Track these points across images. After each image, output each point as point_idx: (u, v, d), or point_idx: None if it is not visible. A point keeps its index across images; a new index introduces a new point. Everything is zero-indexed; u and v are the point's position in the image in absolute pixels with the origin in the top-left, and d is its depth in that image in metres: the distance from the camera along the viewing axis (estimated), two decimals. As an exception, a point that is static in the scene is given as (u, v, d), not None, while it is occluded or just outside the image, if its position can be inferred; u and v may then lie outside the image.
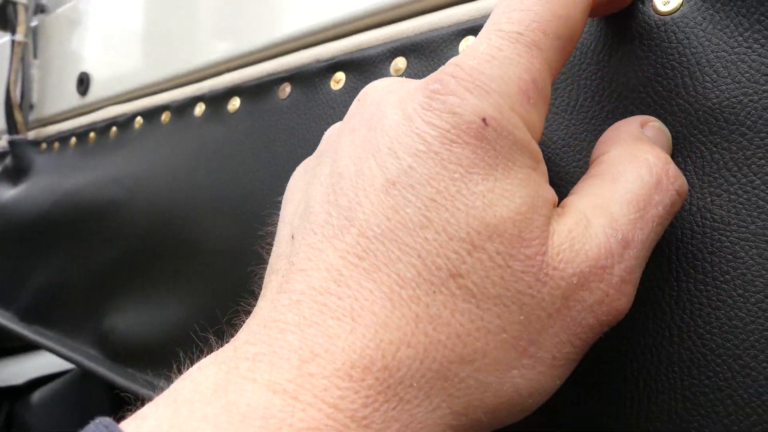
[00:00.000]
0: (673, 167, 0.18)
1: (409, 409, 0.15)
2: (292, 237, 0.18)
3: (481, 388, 0.16)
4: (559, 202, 0.18)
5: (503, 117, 0.16)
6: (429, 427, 0.15)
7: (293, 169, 0.33)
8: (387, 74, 0.30)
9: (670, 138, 0.21)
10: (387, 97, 0.18)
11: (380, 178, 0.16)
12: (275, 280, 0.18)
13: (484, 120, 0.16)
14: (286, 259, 0.17)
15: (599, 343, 0.18)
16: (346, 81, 0.32)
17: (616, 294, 0.17)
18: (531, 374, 0.16)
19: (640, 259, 0.17)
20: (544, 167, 0.18)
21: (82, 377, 0.73)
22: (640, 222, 0.17)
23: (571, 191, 0.19)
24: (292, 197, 0.21)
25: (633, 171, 0.18)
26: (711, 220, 0.20)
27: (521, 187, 0.16)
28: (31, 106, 0.59)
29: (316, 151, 0.21)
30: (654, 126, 0.20)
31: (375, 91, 0.19)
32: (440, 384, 0.15)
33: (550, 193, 0.17)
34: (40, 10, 0.59)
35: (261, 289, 0.19)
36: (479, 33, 0.18)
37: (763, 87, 0.20)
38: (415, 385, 0.15)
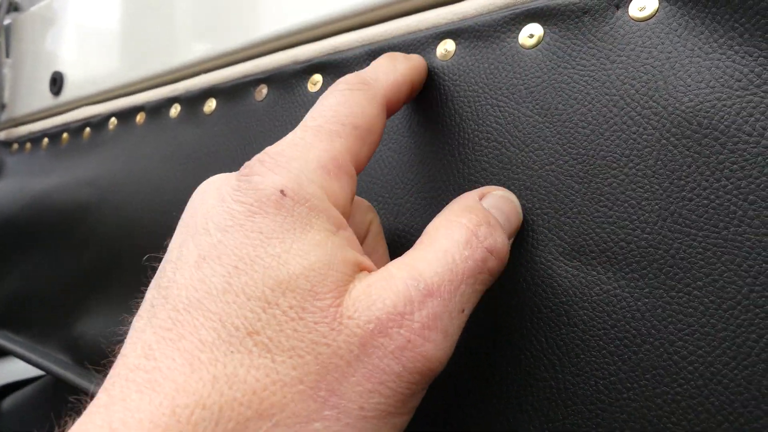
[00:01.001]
0: (484, 228, 0.20)
1: None
2: (131, 326, 0.19)
3: None
4: None
5: (301, 188, 0.19)
6: None
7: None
8: (364, 77, 0.30)
9: (515, 203, 0.23)
10: (210, 187, 0.20)
11: (194, 255, 0.18)
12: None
13: (282, 192, 0.18)
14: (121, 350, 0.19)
15: (578, 353, 0.18)
16: (323, 83, 0.32)
17: (419, 340, 0.17)
18: (336, 426, 0.16)
19: (449, 309, 0.18)
20: (348, 232, 0.19)
21: (55, 384, 0.71)
22: (448, 275, 0.18)
23: None
24: None
25: (445, 233, 0.20)
26: (683, 225, 0.20)
27: (317, 247, 0.18)
28: (3, 106, 0.57)
29: None
30: (495, 195, 0.22)
31: (204, 184, 0.21)
32: None
33: (352, 254, 0.19)
34: (14, 8, 0.58)
35: None
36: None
37: (737, 92, 0.20)
38: None
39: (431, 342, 0.17)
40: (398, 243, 0.26)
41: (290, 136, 0.20)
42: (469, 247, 0.19)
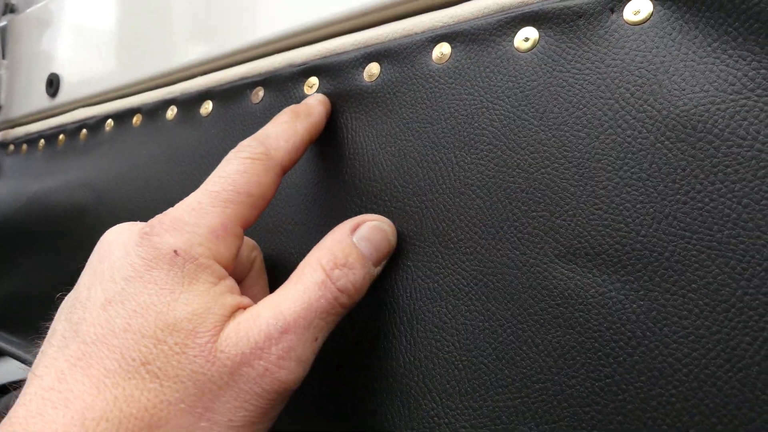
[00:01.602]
0: (338, 271, 0.24)
1: None
2: (42, 351, 0.23)
3: None
4: None
5: (191, 249, 0.23)
6: None
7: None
8: (361, 79, 0.30)
9: (387, 230, 0.26)
10: (116, 238, 0.24)
11: (101, 298, 0.22)
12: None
13: (175, 251, 0.23)
14: (32, 371, 0.22)
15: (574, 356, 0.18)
16: (319, 85, 0.32)
17: (275, 368, 0.22)
18: None
19: (303, 341, 0.22)
20: (230, 282, 0.24)
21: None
22: (303, 312, 0.23)
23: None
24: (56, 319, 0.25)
25: (307, 273, 0.24)
26: (677, 227, 0.20)
27: (200, 296, 0.22)
28: (-1, 108, 0.57)
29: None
30: (367, 226, 0.26)
31: (111, 233, 0.25)
32: None
33: (230, 299, 0.23)
34: (10, 9, 0.58)
35: None
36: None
37: (731, 96, 0.20)
38: None
39: (285, 369, 0.22)
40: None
41: (190, 198, 0.24)
42: (324, 287, 0.23)
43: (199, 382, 0.21)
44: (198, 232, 0.23)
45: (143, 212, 0.39)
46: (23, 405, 0.21)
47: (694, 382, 0.19)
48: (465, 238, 0.24)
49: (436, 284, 0.25)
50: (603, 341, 0.21)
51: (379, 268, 0.26)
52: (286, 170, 0.27)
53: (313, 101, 0.30)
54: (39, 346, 0.24)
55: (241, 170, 0.25)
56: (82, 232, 0.43)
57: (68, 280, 0.44)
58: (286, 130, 0.27)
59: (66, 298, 0.25)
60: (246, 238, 0.28)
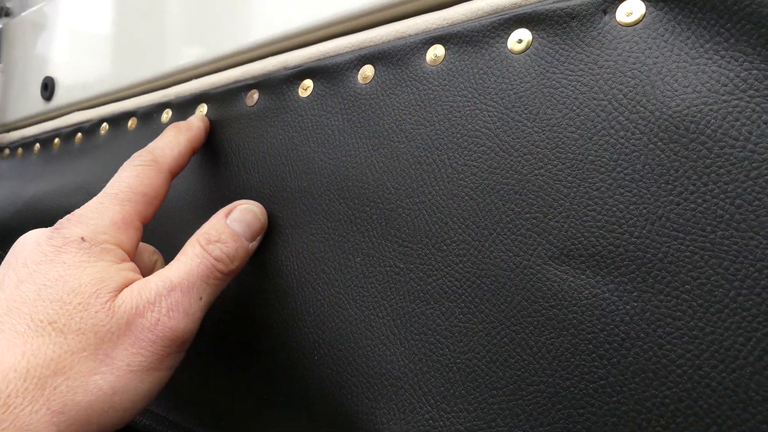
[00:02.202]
0: (212, 245, 0.28)
1: (16, 412, 0.22)
2: None
3: (71, 391, 0.24)
4: None
5: (96, 236, 0.27)
6: (33, 424, 0.23)
7: (262, 178, 0.32)
8: (355, 82, 0.30)
9: (256, 210, 0.31)
10: (29, 237, 0.28)
11: (14, 279, 0.26)
12: None
13: (82, 238, 0.27)
14: None
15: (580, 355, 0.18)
16: (314, 88, 0.32)
17: (166, 319, 0.26)
18: (110, 377, 0.24)
19: (188, 297, 0.27)
20: (129, 264, 0.28)
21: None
22: (186, 276, 0.27)
23: None
24: None
25: (188, 249, 0.28)
26: (670, 228, 0.20)
27: (103, 269, 0.26)
28: (-5, 112, 0.57)
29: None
30: (238, 209, 0.31)
31: (24, 236, 0.29)
32: (39, 392, 0.23)
33: (130, 275, 0.27)
34: (5, 13, 0.58)
35: None
36: None
37: (723, 97, 0.20)
38: (20, 395, 0.23)
39: (174, 319, 0.26)
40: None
41: (93, 200, 0.29)
42: (201, 257, 0.28)
43: (99, 333, 0.25)
44: (102, 223, 0.28)
45: (138, 216, 0.39)
46: None
47: (688, 383, 0.19)
48: (458, 240, 0.24)
49: (429, 286, 0.25)
50: (597, 343, 0.21)
51: (254, 243, 0.30)
52: (174, 174, 0.32)
53: (194, 119, 0.35)
54: None
55: (134, 175, 0.30)
56: (78, 235, 0.43)
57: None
58: (171, 141, 0.32)
59: None
60: (148, 245, 0.33)
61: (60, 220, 0.28)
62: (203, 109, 0.37)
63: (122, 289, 0.26)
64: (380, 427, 0.24)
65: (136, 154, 0.31)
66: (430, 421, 0.23)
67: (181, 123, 0.34)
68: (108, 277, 0.26)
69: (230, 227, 0.29)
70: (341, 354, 0.26)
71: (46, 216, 0.47)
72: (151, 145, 0.32)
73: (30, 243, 0.28)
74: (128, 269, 0.27)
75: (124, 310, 0.25)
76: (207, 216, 0.34)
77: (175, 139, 0.33)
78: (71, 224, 0.28)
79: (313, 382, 0.27)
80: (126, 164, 0.31)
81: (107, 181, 0.42)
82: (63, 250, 0.26)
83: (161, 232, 0.37)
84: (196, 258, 0.28)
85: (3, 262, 0.29)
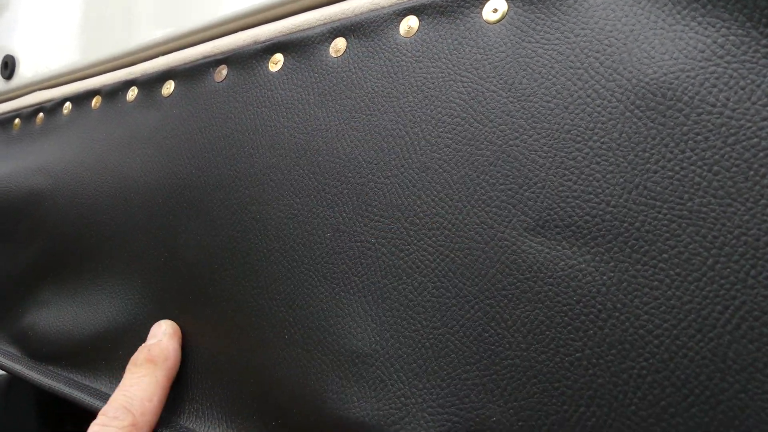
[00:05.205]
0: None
1: None
2: None
3: None
4: None
5: None
6: None
7: (230, 155, 0.31)
8: (327, 55, 0.29)
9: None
10: None
11: None
12: None
13: None
14: None
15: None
16: (284, 62, 0.31)
17: None
18: None
19: None
20: None
21: (8, 387, 0.68)
22: None
23: None
24: None
25: None
26: (647, 197, 0.19)
27: None
28: (-48, 92, 0.55)
29: None
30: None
31: None
32: None
33: None
34: (-37, -11, 0.55)
35: None
36: None
37: (700, 63, 0.19)
38: None
39: None
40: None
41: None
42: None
43: None
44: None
45: (103, 196, 0.38)
46: None
47: (665, 353, 0.18)
48: (431, 214, 0.24)
49: (401, 261, 0.24)
50: (573, 315, 0.20)
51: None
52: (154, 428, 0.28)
53: (166, 340, 0.30)
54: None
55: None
56: (38, 218, 0.42)
57: (22, 268, 0.42)
58: (148, 384, 0.28)
59: None
60: None
61: None
62: (170, 86, 0.36)
63: None
64: (350, 406, 0.23)
65: (110, 415, 0.27)
66: (402, 399, 0.22)
67: (155, 351, 0.30)
68: None
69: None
70: (310, 333, 0.26)
71: (4, 199, 0.45)
72: (124, 395, 0.28)
73: None
74: None
75: None
76: (170, 203, 0.33)
77: (154, 380, 0.28)
78: None
79: (282, 363, 0.26)
80: None
81: (71, 161, 0.41)
82: None
83: (120, 221, 0.36)
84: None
85: None
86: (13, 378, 0.56)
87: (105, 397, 0.32)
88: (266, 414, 0.26)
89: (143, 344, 0.30)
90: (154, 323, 0.32)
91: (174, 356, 0.30)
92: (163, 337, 0.30)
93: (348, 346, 0.24)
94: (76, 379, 0.34)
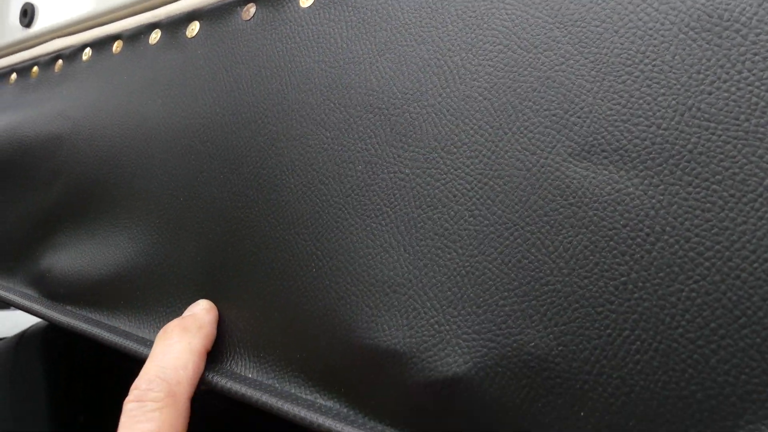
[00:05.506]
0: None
1: None
2: None
3: None
4: None
5: None
6: None
7: (257, 93, 0.31)
8: (359, -7, 0.28)
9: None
10: None
11: None
12: None
13: None
14: None
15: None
16: None
17: None
18: None
19: None
20: None
21: (16, 348, 0.68)
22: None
23: None
24: None
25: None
26: (701, 119, 0.19)
27: None
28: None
29: None
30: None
31: None
32: None
33: None
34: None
35: None
36: None
37: (760, -16, 0.19)
38: None
39: None
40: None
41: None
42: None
43: None
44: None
45: (121, 138, 0.37)
46: None
47: (716, 275, 0.18)
48: (470, 142, 0.23)
49: (437, 191, 0.23)
50: (619, 239, 0.19)
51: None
52: (191, 398, 0.25)
53: (201, 313, 0.29)
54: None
55: (155, 430, 0.23)
56: (58, 162, 0.41)
57: (40, 212, 0.41)
58: (181, 352, 0.26)
59: None
60: None
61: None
62: (195, 27, 0.35)
63: None
64: (380, 335, 0.23)
65: (142, 388, 0.25)
66: (436, 326, 0.22)
67: (188, 321, 0.28)
68: None
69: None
70: (339, 265, 0.25)
71: (23, 144, 0.45)
72: (157, 364, 0.26)
73: None
74: None
75: None
76: (192, 142, 0.32)
77: (187, 347, 0.26)
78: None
79: (308, 296, 0.26)
80: (136, 410, 0.24)
81: (91, 105, 0.40)
82: None
83: (140, 162, 0.35)
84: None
85: None
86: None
87: (123, 334, 0.31)
88: (290, 347, 0.26)
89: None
90: (172, 262, 0.32)
91: (209, 326, 0.28)
92: (198, 311, 0.29)
93: (379, 276, 0.24)
94: (94, 317, 0.34)
